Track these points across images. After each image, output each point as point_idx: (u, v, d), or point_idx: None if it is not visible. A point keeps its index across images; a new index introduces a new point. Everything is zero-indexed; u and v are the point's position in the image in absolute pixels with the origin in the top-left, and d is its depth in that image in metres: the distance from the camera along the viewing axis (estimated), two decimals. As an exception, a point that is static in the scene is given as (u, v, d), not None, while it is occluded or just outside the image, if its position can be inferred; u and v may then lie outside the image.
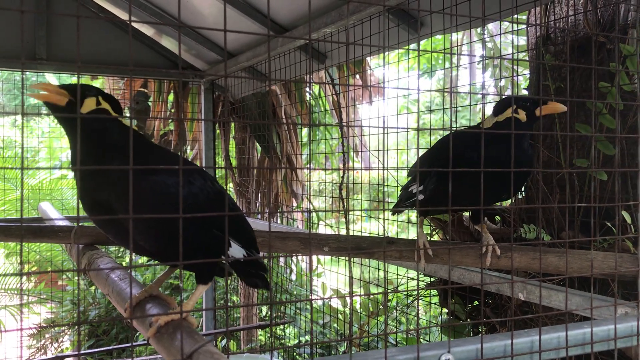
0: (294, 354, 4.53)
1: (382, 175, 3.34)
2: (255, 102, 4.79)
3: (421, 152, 2.04)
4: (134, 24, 4.10)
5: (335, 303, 5.09)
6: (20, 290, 6.01)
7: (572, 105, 2.50)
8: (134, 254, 1.37)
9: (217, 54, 4.17)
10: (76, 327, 5.14)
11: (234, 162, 5.30)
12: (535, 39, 2.87)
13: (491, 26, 6.87)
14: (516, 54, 2.96)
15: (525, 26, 3.00)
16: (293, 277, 5.29)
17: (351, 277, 1.15)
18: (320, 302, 4.79)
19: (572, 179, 2.48)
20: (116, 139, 1.33)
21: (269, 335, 5.06)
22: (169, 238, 1.32)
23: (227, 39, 0.91)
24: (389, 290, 3.63)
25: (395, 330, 3.83)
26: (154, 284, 1.54)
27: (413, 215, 4.45)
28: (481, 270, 1.38)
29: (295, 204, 5.36)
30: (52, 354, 5.12)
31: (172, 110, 5.39)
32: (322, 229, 5.71)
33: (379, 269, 4.28)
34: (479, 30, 4.90)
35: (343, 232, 4.18)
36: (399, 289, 3.55)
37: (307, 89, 5.16)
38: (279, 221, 5.17)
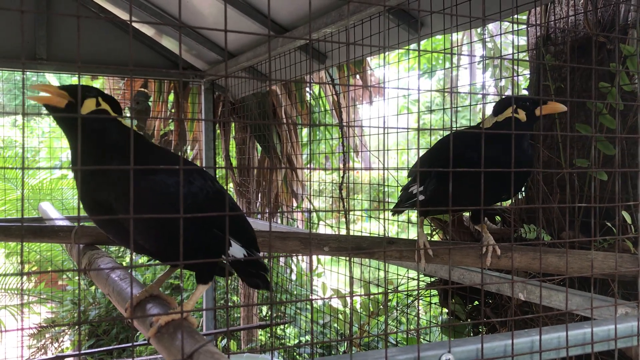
0: (294, 353, 4.53)
1: (382, 176, 3.34)
2: (255, 102, 4.79)
3: (421, 153, 2.04)
4: (134, 24, 4.10)
5: (336, 303, 5.09)
6: (21, 290, 6.01)
7: (572, 106, 2.50)
8: (134, 253, 1.37)
9: (217, 54, 4.17)
10: (76, 327, 5.14)
11: (234, 162, 5.31)
12: (536, 39, 2.87)
13: (491, 26, 6.87)
14: (516, 54, 2.96)
15: (525, 26, 3.00)
16: (293, 277, 5.29)
17: (351, 277, 1.15)
18: (320, 302, 4.79)
19: (573, 179, 2.48)
20: (116, 139, 1.34)
21: (269, 335, 5.06)
22: (169, 238, 1.33)
23: (228, 39, 0.92)
24: (389, 290, 3.63)
25: (395, 330, 3.83)
26: (155, 284, 1.54)
27: (413, 215, 4.45)
28: (481, 270, 1.38)
29: (295, 204, 5.36)
30: (53, 354, 5.12)
31: (173, 111, 5.39)
32: (322, 229, 5.71)
33: (379, 269, 4.28)
34: (479, 30, 4.90)
35: (343, 232, 4.18)
36: (399, 289, 3.55)
37: (308, 89, 5.16)
38: (279, 221, 5.17)
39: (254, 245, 1.56)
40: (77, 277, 5.53)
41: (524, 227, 2.48)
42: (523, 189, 2.72)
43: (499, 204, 2.47)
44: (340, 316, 4.49)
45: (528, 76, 3.09)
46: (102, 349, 4.27)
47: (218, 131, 5.12)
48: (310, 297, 4.58)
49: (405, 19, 2.81)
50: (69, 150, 1.39)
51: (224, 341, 4.87)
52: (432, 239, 2.86)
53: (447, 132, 2.11)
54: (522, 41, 3.39)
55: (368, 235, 3.30)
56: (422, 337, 3.64)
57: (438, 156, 1.92)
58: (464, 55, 3.37)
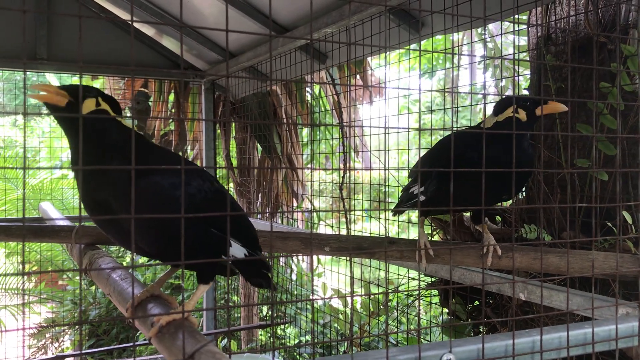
0: (295, 353, 4.53)
1: (382, 176, 3.34)
2: (255, 102, 4.79)
3: (422, 153, 2.04)
4: (134, 24, 4.10)
5: (336, 303, 5.09)
6: (23, 290, 6.02)
7: (573, 106, 2.50)
8: (134, 253, 1.37)
9: (217, 54, 4.17)
10: (76, 327, 5.14)
11: (234, 162, 5.31)
12: (536, 39, 2.87)
13: (491, 26, 6.86)
14: (517, 54, 2.96)
15: (526, 26, 3.00)
16: (293, 277, 5.29)
17: (352, 277, 1.15)
18: (320, 302, 4.79)
19: (573, 179, 2.48)
20: (115, 139, 1.34)
21: (269, 335, 5.06)
22: (167, 239, 1.33)
23: (228, 39, 0.92)
24: (389, 291, 3.63)
25: (395, 330, 3.83)
26: (156, 284, 1.54)
27: (413, 215, 4.45)
28: (482, 270, 1.38)
29: (295, 204, 5.36)
30: (53, 354, 5.12)
31: (173, 110, 5.39)
32: (323, 229, 5.71)
33: (379, 269, 4.28)
34: (479, 30, 4.90)
35: (344, 232, 4.18)
36: (400, 289, 3.55)
37: (308, 89, 5.16)
38: (279, 221, 5.18)
39: (255, 244, 1.56)
40: (77, 277, 5.53)
41: (524, 227, 2.48)
42: (524, 189, 2.72)
43: (499, 204, 2.47)
44: (340, 316, 4.49)
45: (529, 76, 3.08)
46: (102, 348, 4.27)
47: (218, 131, 5.12)
48: (311, 297, 4.58)
49: (406, 19, 2.81)
50: (69, 150, 1.39)
51: (224, 341, 4.87)
52: (432, 239, 2.86)
53: (447, 132, 2.11)
54: (523, 41, 3.39)
55: (369, 235, 3.30)
56: (422, 337, 3.64)
57: (439, 156, 1.92)
58: (464, 55, 3.37)
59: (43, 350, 5.52)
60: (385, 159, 2.85)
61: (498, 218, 2.89)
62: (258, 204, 5.19)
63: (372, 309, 3.87)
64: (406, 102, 7.18)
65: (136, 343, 3.72)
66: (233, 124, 5.22)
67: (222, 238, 1.39)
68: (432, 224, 3.07)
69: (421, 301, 3.47)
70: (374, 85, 5.32)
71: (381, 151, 3.10)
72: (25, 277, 6.16)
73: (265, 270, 1.59)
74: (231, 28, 2.99)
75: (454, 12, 2.43)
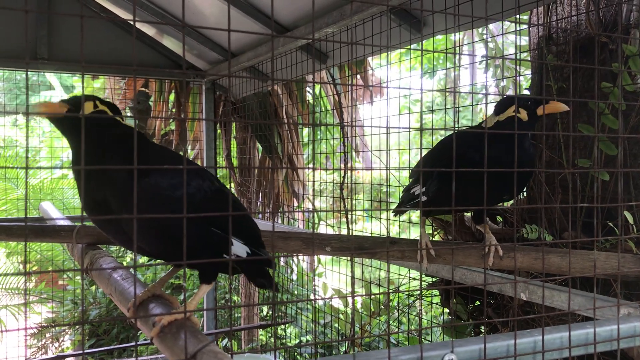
0: (295, 353, 4.53)
1: (383, 175, 3.34)
2: (256, 102, 4.79)
3: (423, 153, 2.04)
4: (135, 24, 4.10)
5: (337, 303, 5.09)
6: (24, 290, 6.02)
7: (574, 106, 2.50)
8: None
9: (218, 53, 4.17)
10: (77, 326, 5.14)
11: (235, 162, 5.31)
12: (538, 39, 2.87)
13: (492, 26, 6.86)
14: (518, 54, 2.96)
15: (527, 26, 3.00)
16: (294, 277, 5.29)
17: (353, 277, 1.15)
18: (321, 302, 4.79)
19: (575, 179, 2.48)
20: (115, 139, 1.34)
21: (270, 335, 5.06)
22: (168, 238, 1.33)
23: (229, 39, 0.92)
24: (390, 291, 3.63)
25: (396, 330, 3.83)
26: (157, 284, 1.54)
27: (414, 215, 4.45)
28: (484, 270, 1.38)
29: (296, 204, 5.36)
30: (53, 354, 5.12)
31: (173, 110, 5.39)
32: (323, 229, 5.71)
33: (380, 269, 4.28)
34: (480, 30, 4.90)
35: (344, 232, 4.18)
36: (401, 289, 3.55)
37: (309, 88, 5.16)
38: (280, 221, 5.18)
39: (257, 242, 1.55)
40: (77, 277, 5.53)
41: (526, 227, 2.47)
42: (525, 189, 2.72)
43: (501, 204, 2.47)
44: (341, 316, 4.49)
45: (530, 76, 3.08)
46: (103, 348, 4.26)
47: (219, 131, 5.12)
48: (312, 297, 4.59)
49: (407, 18, 2.81)
50: (70, 149, 1.40)
51: (225, 341, 4.87)
52: (433, 239, 2.85)
53: (448, 132, 2.11)
54: (524, 41, 3.39)
55: (370, 235, 3.30)
56: (423, 337, 3.64)
57: (440, 156, 1.92)
58: (465, 55, 3.37)
59: (43, 350, 5.52)
60: (386, 159, 2.85)
61: (499, 218, 2.89)
62: (259, 203, 5.19)
63: (373, 309, 3.87)
64: (407, 102, 7.19)
65: (138, 343, 3.72)
66: (234, 124, 5.22)
67: (223, 237, 1.39)
68: (434, 224, 3.07)
69: (422, 301, 3.47)
70: (375, 85, 5.32)
71: (382, 151, 3.10)
72: (26, 276, 6.15)
73: (267, 266, 1.59)
74: (232, 28, 2.98)
75: (456, 12, 2.43)
